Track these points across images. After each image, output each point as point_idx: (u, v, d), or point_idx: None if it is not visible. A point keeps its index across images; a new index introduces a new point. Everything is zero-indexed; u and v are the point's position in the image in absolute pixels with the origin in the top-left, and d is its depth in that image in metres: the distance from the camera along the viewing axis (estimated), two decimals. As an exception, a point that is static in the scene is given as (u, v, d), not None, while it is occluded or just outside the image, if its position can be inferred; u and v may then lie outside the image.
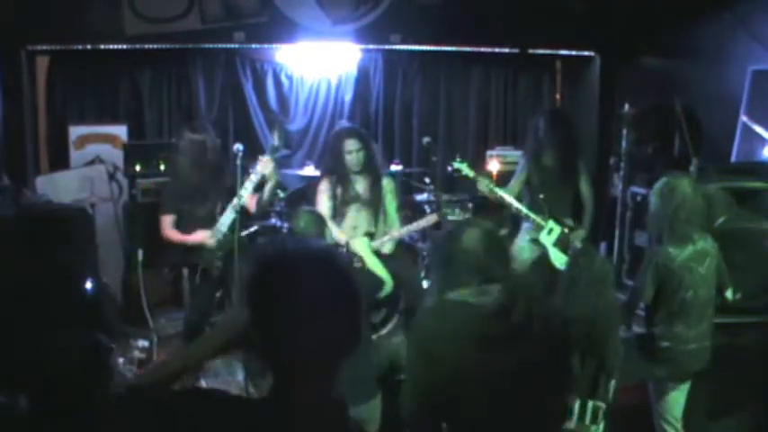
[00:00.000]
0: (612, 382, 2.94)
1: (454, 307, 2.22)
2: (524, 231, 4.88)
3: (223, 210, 4.39)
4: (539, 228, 4.72)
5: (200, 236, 4.39)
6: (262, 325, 1.45)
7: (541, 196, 4.71)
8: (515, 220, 5.07)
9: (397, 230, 4.79)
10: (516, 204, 4.74)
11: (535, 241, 4.79)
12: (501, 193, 4.69)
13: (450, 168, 4.95)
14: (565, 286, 2.86)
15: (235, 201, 4.29)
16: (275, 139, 4.47)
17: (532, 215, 4.71)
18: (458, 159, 4.83)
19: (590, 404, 2.80)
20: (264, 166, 4.33)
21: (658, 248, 3.29)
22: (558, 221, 4.72)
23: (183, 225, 4.46)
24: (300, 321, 1.41)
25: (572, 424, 2.75)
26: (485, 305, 2.15)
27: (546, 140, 4.72)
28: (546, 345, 2.19)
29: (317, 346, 1.42)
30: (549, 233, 4.69)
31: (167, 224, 4.47)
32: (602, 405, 2.80)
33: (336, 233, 4.77)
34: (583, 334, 2.74)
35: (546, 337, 2.19)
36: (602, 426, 2.80)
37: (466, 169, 4.76)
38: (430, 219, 4.86)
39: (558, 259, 4.67)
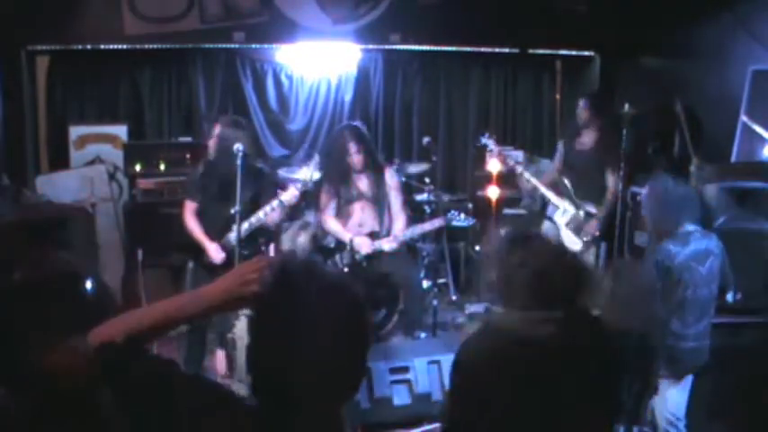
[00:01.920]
0: (650, 403, 2.88)
1: (502, 337, 2.03)
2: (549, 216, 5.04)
3: (242, 219, 4.35)
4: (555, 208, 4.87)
5: (213, 250, 4.32)
6: (262, 340, 1.43)
7: (566, 180, 4.99)
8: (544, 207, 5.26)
9: (400, 231, 4.81)
10: (543, 190, 4.91)
11: (551, 220, 4.92)
12: (531, 179, 4.99)
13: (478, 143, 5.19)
14: (611, 302, 2.82)
15: (252, 220, 4.26)
16: (309, 181, 4.48)
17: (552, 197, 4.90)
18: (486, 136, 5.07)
19: (635, 430, 2.76)
20: (291, 198, 4.32)
21: (659, 246, 3.29)
22: (574, 203, 4.81)
23: (201, 217, 4.41)
24: (303, 351, 1.38)
25: None
26: (536, 338, 1.95)
27: (590, 122, 4.97)
28: (597, 377, 2.04)
29: (316, 378, 1.39)
30: (564, 214, 4.81)
31: (188, 211, 4.41)
32: (647, 430, 2.76)
33: (341, 231, 4.80)
34: (634, 349, 2.70)
35: (598, 368, 2.05)
36: None
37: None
38: (435, 222, 4.88)
39: (568, 240, 4.77)
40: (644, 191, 3.46)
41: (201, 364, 4.49)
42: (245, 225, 4.28)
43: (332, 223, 4.84)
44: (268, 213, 4.32)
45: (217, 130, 4.43)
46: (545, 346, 1.94)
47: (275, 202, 4.32)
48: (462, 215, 4.87)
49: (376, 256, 4.78)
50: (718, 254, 3.29)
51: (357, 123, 5.10)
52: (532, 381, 1.96)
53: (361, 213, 4.82)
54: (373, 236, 4.79)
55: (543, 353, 1.94)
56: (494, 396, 1.98)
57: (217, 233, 4.39)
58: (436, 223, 4.88)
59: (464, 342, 2.17)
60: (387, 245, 4.75)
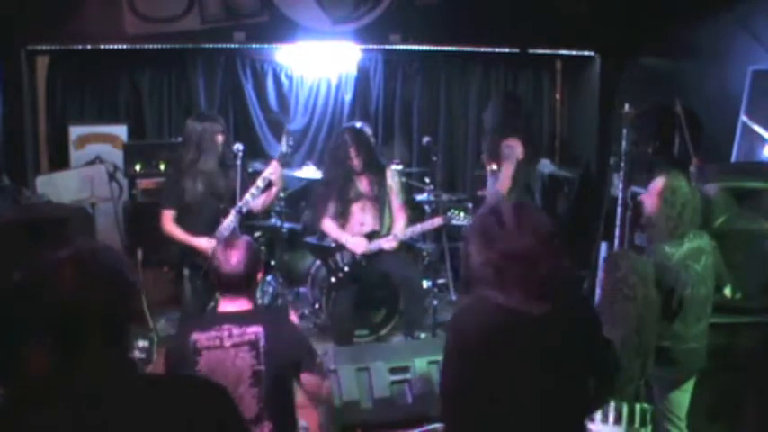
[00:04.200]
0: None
1: (496, 309, 2.07)
2: None
3: (227, 212, 4.36)
4: None
5: (204, 243, 4.31)
6: None
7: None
8: None
9: (400, 231, 4.81)
10: None
11: None
12: None
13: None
14: (612, 289, 2.86)
15: (239, 205, 4.26)
16: (283, 146, 4.48)
17: None
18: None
19: (638, 407, 2.79)
20: (273, 171, 4.33)
21: (654, 247, 3.30)
22: None
23: (185, 222, 4.41)
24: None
25: (622, 428, 2.73)
26: (526, 312, 2.03)
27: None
28: (576, 337, 2.11)
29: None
30: None
31: (168, 219, 4.40)
32: (649, 407, 2.79)
33: (337, 232, 4.81)
34: (634, 331, 2.74)
35: (577, 329, 2.12)
36: (650, 428, 2.78)
37: None
38: (435, 222, 4.88)
39: None
40: (657, 187, 3.33)
41: None
42: (232, 217, 4.28)
43: (328, 225, 4.86)
44: (255, 195, 4.32)
45: (188, 126, 4.45)
46: (539, 317, 2.00)
47: (260, 182, 4.31)
48: (462, 214, 4.86)
49: (376, 255, 4.78)
50: (710, 251, 3.31)
51: (357, 125, 5.10)
52: (526, 348, 2.01)
53: (362, 213, 4.84)
54: (374, 235, 4.80)
55: (536, 323, 2.01)
56: (487, 363, 2.01)
57: (206, 229, 4.38)
58: (436, 222, 4.88)
59: (457, 312, 2.22)
60: (387, 244, 4.76)
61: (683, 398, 3.34)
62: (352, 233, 4.80)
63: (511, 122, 5.04)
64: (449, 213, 4.87)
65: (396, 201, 4.91)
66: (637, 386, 2.83)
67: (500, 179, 4.89)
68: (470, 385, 2.03)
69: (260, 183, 4.30)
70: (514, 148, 4.89)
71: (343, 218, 4.84)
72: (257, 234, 5.54)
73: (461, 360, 2.05)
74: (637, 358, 2.84)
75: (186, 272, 4.43)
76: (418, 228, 4.89)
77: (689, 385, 3.34)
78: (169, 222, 4.40)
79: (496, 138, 5.01)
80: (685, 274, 3.20)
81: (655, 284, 3.12)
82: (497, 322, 2.03)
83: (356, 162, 4.75)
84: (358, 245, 4.74)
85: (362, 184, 4.83)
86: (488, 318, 2.06)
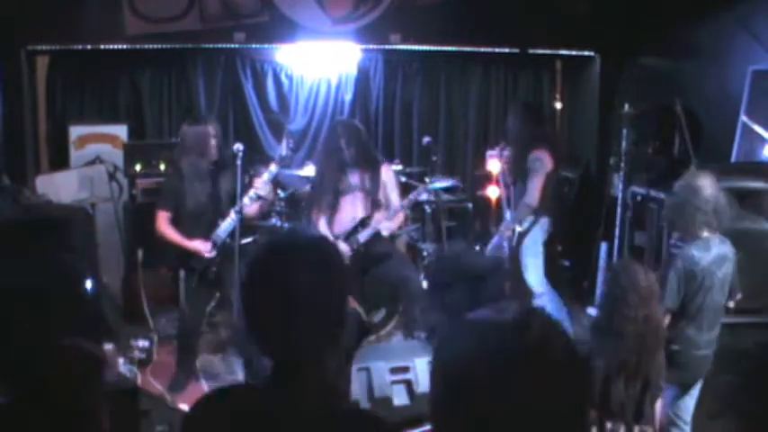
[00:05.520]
0: (658, 404, 2.91)
1: (474, 325, 2.15)
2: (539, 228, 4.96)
3: (225, 214, 4.36)
4: None
5: (199, 245, 4.33)
6: (250, 310, 1.48)
7: None
8: None
9: (393, 203, 4.85)
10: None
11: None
12: None
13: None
14: (610, 305, 2.82)
15: (238, 207, 4.26)
16: (283, 149, 4.48)
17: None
18: None
19: (636, 429, 2.77)
20: (262, 186, 4.32)
21: (681, 252, 3.26)
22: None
23: (183, 224, 4.42)
24: (282, 306, 1.44)
25: None
26: (502, 321, 2.09)
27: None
28: (563, 365, 2.11)
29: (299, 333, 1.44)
30: None
31: (163, 221, 4.40)
32: (649, 429, 2.77)
33: (322, 229, 4.83)
34: (633, 352, 2.70)
35: (563, 358, 2.12)
36: None
37: None
38: (419, 191, 4.96)
39: None
40: (683, 188, 3.27)
41: (186, 384, 4.50)
42: (231, 219, 4.29)
43: (320, 223, 4.88)
44: (248, 205, 4.33)
45: (184, 129, 4.45)
46: (508, 327, 2.00)
47: (252, 193, 4.31)
48: (447, 181, 4.96)
49: (375, 253, 4.80)
50: (731, 258, 3.28)
51: (350, 120, 5.10)
52: (500, 358, 2.00)
53: (352, 207, 4.85)
54: (366, 221, 4.81)
55: (507, 332, 1.99)
56: (473, 394, 2.00)
57: (204, 231, 4.38)
58: (421, 190, 4.96)
59: (442, 339, 2.21)
60: (385, 225, 4.78)
61: (689, 402, 3.33)
62: (344, 226, 4.81)
63: (535, 132, 4.98)
64: (429, 180, 5.02)
65: (391, 197, 4.91)
66: (634, 408, 2.79)
67: (529, 192, 4.80)
68: (456, 410, 2.05)
69: (252, 194, 4.30)
70: (543, 161, 4.83)
71: (333, 210, 4.85)
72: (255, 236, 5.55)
73: (446, 388, 2.07)
74: (633, 381, 2.80)
75: (182, 274, 4.43)
76: (406, 201, 4.91)
77: (696, 389, 3.34)
78: (164, 224, 4.40)
79: (523, 149, 4.94)
80: (709, 281, 3.18)
81: (678, 290, 3.11)
82: (469, 335, 2.06)
83: (347, 153, 4.75)
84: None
85: (354, 178, 4.84)
86: (462, 334, 2.09)
